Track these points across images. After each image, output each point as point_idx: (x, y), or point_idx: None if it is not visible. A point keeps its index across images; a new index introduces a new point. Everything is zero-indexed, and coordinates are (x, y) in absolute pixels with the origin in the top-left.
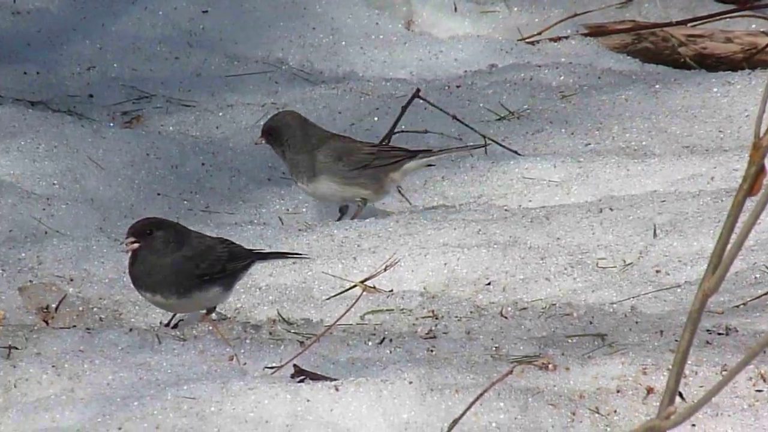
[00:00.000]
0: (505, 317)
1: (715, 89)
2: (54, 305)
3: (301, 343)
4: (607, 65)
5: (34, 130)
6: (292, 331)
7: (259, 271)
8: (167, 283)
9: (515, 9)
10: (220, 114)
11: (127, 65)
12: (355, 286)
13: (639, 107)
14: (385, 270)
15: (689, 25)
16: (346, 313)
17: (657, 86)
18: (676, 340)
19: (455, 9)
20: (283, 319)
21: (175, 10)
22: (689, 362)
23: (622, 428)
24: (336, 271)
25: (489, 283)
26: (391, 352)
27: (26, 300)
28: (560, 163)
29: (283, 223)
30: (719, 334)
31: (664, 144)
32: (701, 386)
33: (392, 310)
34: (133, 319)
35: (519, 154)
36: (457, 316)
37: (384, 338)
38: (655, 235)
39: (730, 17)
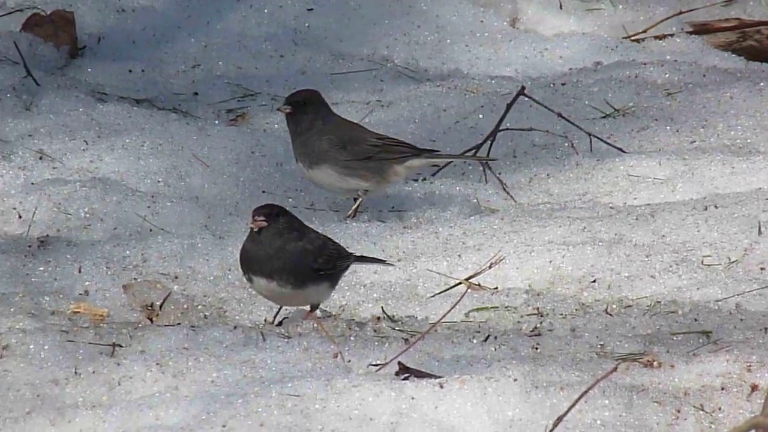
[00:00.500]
0: (610, 315)
1: None
2: (158, 303)
3: (406, 340)
4: (712, 63)
5: (139, 128)
6: (397, 328)
7: (363, 269)
8: (287, 271)
9: (620, 6)
10: None
11: (232, 63)
12: (459, 283)
13: (744, 105)
14: (490, 267)
15: None
16: (450, 310)
17: (762, 84)
18: None
19: (560, 6)
20: (388, 316)
21: (280, 8)
22: None
23: (727, 425)
24: (441, 269)
25: (594, 281)
26: (495, 349)
27: (131, 298)
28: (665, 161)
29: (384, 222)
30: None
31: None
32: None
33: (497, 307)
34: (237, 317)
35: (624, 152)
36: (562, 314)
37: (489, 336)
38: (759, 232)
39: None
